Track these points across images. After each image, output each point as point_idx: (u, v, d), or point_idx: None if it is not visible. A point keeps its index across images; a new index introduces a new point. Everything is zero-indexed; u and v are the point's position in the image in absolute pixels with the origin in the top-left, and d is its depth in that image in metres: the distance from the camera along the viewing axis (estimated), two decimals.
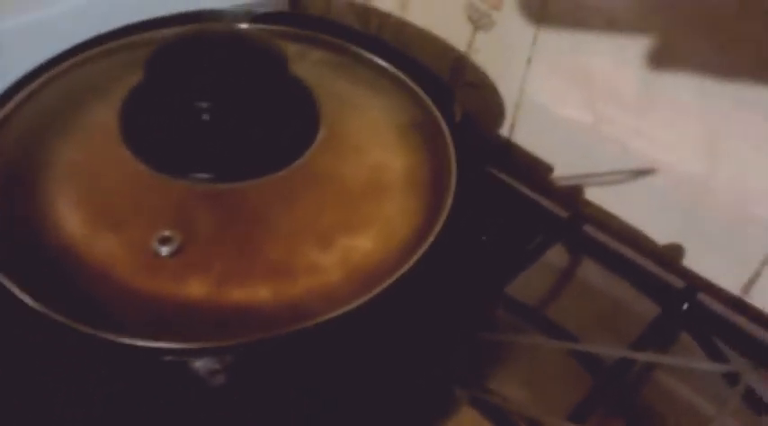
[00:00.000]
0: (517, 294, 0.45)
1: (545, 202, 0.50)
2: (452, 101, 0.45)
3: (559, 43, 0.49)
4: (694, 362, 0.41)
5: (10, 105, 0.42)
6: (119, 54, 0.47)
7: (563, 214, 0.49)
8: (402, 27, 0.59)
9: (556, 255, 0.48)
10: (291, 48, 0.46)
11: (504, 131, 0.56)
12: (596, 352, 0.42)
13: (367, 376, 0.35)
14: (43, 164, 0.39)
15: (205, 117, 0.37)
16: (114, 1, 0.52)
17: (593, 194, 0.53)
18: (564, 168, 0.54)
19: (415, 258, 0.36)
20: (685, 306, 0.43)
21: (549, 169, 0.55)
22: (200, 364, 0.32)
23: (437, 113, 0.44)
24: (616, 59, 0.46)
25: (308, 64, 0.46)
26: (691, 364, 0.40)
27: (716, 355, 0.42)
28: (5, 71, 0.43)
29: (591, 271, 0.48)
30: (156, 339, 0.32)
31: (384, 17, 0.61)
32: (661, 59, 0.44)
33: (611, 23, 0.45)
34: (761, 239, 0.44)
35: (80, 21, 0.49)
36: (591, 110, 0.49)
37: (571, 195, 0.53)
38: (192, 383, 0.33)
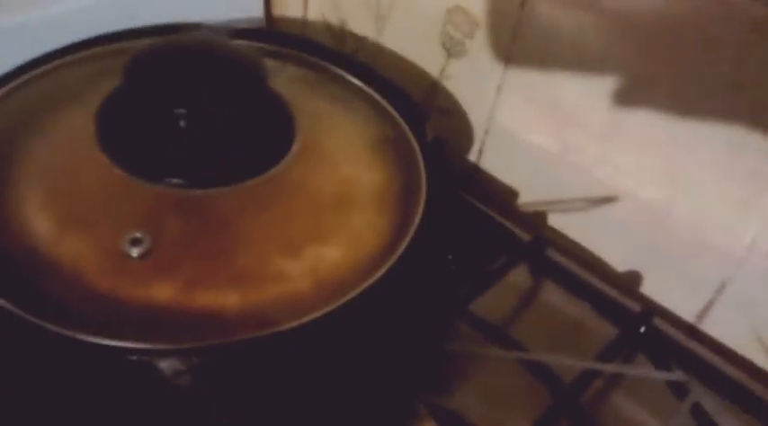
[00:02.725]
0: (480, 311, 0.46)
1: (509, 225, 0.51)
2: (424, 121, 0.46)
3: (529, 72, 0.50)
4: (648, 372, 0.43)
5: None
6: (94, 62, 0.48)
7: (526, 237, 0.50)
8: (377, 50, 0.61)
9: (518, 276, 0.49)
10: (268, 64, 0.47)
11: (472, 156, 0.57)
12: (554, 366, 0.43)
13: (328, 385, 0.36)
14: (16, 164, 0.39)
15: (182, 123, 0.38)
16: (90, 13, 0.52)
17: (556, 220, 0.54)
18: (529, 194, 0.55)
19: (382, 271, 0.37)
20: (642, 329, 0.45)
21: (514, 194, 0.56)
22: (164, 364, 0.33)
23: (409, 132, 0.46)
24: (584, 89, 0.48)
25: (284, 79, 0.47)
26: (646, 373, 0.43)
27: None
28: None
29: (552, 293, 0.49)
30: (123, 338, 0.32)
31: (360, 40, 0.62)
32: (628, 90, 0.45)
33: (582, 56, 0.47)
34: (716, 268, 0.45)
35: (60, 28, 0.50)
36: (558, 137, 0.51)
37: (535, 220, 0.55)
38: (155, 383, 0.33)
